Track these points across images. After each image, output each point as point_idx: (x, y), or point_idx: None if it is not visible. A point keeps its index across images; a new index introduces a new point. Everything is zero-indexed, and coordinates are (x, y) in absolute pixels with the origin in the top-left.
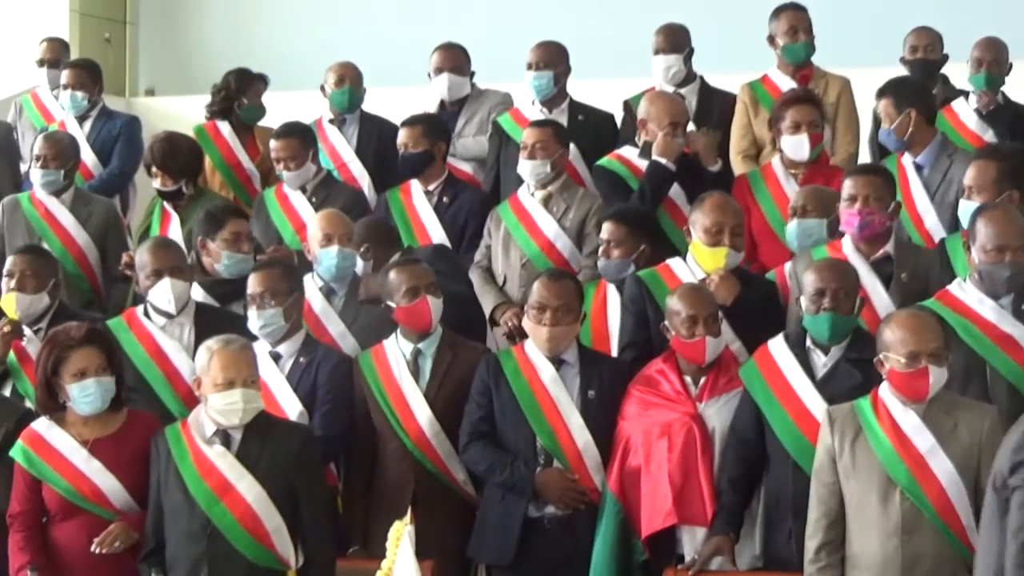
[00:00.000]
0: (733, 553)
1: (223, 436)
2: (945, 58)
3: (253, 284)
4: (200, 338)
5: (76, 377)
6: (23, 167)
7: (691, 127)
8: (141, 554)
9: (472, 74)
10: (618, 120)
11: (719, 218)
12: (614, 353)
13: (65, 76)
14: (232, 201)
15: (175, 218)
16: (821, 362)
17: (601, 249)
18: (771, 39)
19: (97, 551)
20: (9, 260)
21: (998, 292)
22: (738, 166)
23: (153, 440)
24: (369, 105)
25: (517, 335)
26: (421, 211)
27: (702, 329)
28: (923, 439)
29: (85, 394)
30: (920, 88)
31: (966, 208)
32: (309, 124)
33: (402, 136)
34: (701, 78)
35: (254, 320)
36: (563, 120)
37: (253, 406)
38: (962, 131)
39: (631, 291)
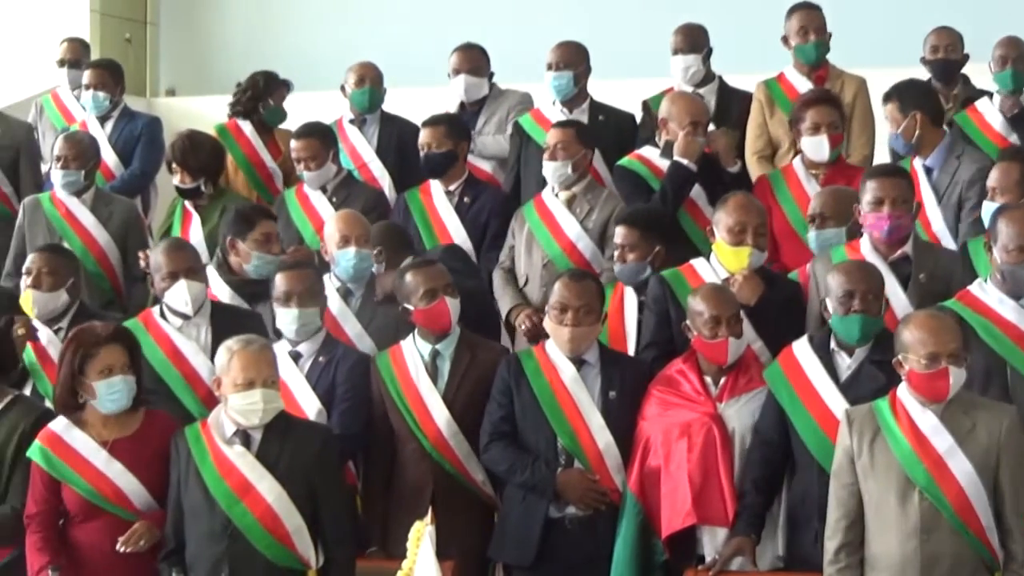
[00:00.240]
0: (754, 554)
1: (243, 436)
2: (966, 58)
3: (289, 282)
4: (217, 338)
5: (103, 375)
6: (44, 167)
7: (711, 127)
8: (161, 554)
9: (491, 75)
10: (638, 120)
11: (742, 218)
12: (631, 353)
13: (87, 76)
14: (260, 202)
15: (196, 218)
16: (845, 364)
17: (616, 254)
18: (785, 39)
19: (122, 550)
20: (28, 258)
21: (1020, 292)
22: (753, 167)
23: (173, 440)
24: (389, 105)
25: (530, 338)
26: (442, 211)
27: (725, 329)
28: (941, 439)
29: (112, 391)
30: (925, 90)
31: (988, 209)
32: (329, 124)
33: (425, 136)
34: (720, 78)
35: (288, 318)
36: (583, 120)
37: (273, 406)
38: (987, 131)
39: (654, 291)
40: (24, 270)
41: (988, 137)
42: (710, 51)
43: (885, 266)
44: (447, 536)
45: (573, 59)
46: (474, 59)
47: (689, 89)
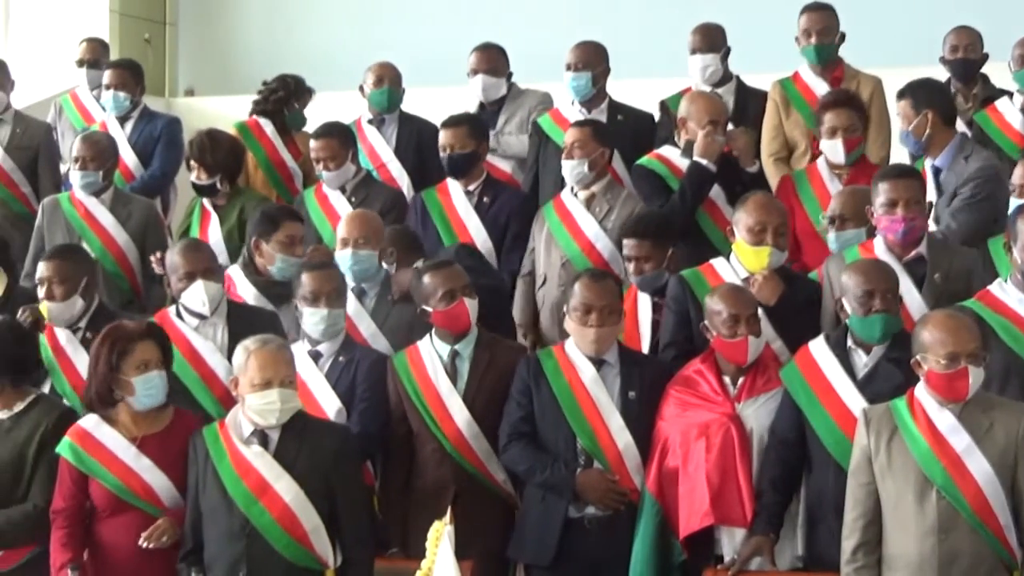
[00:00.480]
0: (773, 553)
1: (261, 436)
2: (985, 57)
3: (317, 282)
4: (234, 338)
5: (140, 369)
6: (63, 168)
7: (730, 127)
8: (180, 554)
9: (510, 75)
10: (656, 120)
11: (762, 217)
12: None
13: (108, 76)
14: (279, 201)
15: (215, 217)
16: (862, 362)
17: (632, 267)
18: (797, 39)
19: (145, 546)
20: (38, 267)
21: None
22: (769, 169)
23: (191, 440)
24: (408, 105)
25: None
26: (461, 211)
27: (744, 328)
28: (959, 439)
29: (149, 387)
30: (939, 89)
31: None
32: (348, 124)
33: (448, 137)
34: (737, 78)
35: (316, 318)
36: (602, 120)
37: (290, 406)
38: (1006, 130)
39: (674, 291)
40: (37, 279)
41: (1008, 136)
42: (728, 51)
43: (899, 266)
44: (468, 536)
45: (592, 60)
46: (492, 59)
47: (707, 89)
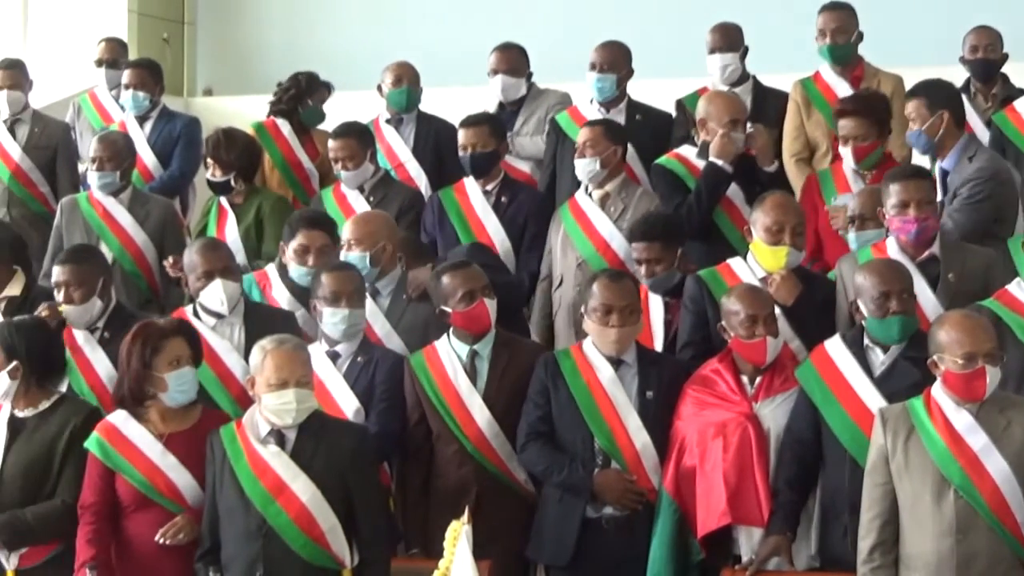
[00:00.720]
0: (791, 553)
1: (277, 436)
2: (1005, 57)
3: (338, 283)
4: (250, 338)
5: (172, 365)
6: (81, 167)
7: (749, 127)
8: (197, 554)
9: (530, 75)
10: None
11: (780, 217)
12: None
13: (127, 76)
14: (296, 202)
15: (232, 216)
16: (879, 360)
17: (644, 269)
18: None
19: (162, 542)
20: (53, 271)
21: None
22: (791, 170)
23: (208, 440)
24: (426, 105)
25: None
26: (479, 210)
27: (762, 329)
28: (976, 438)
29: (182, 383)
30: (953, 91)
31: None
32: (367, 124)
33: (469, 137)
34: (754, 77)
35: (337, 318)
36: (620, 119)
37: (307, 406)
38: None
39: (691, 290)
40: (52, 283)
41: None
42: (746, 50)
43: (913, 267)
44: (488, 536)
45: (618, 62)
46: (512, 59)
47: (725, 88)
